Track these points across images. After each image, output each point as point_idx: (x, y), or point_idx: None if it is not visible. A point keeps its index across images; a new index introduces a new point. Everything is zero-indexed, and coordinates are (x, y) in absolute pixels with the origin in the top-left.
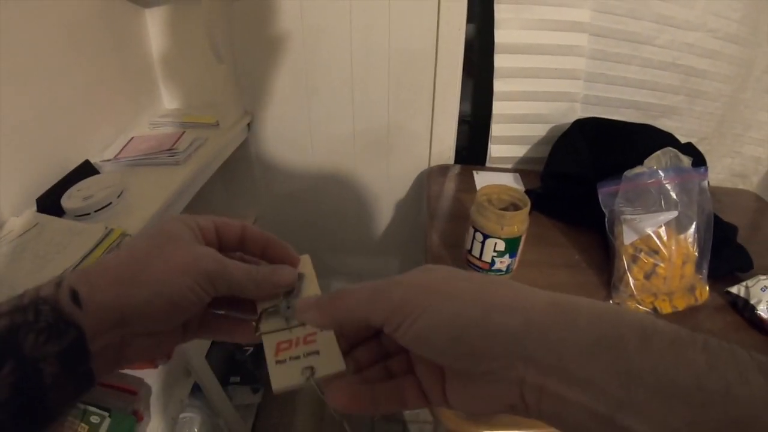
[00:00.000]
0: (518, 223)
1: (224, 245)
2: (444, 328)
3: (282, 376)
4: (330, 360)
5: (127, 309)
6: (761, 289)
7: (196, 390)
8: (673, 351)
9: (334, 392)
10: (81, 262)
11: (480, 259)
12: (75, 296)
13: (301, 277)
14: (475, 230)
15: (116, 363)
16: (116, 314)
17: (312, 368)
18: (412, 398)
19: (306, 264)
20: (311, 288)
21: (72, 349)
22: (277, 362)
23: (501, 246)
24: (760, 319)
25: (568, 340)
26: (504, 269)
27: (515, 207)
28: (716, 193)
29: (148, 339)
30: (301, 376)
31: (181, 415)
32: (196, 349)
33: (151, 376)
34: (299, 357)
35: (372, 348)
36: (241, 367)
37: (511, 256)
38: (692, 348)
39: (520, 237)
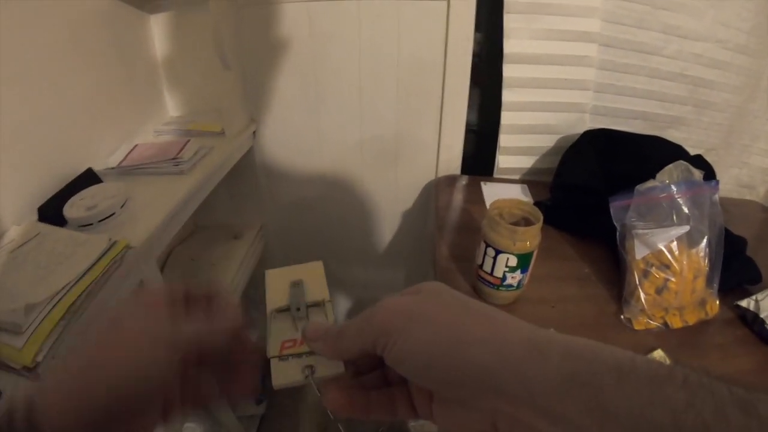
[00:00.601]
0: (531, 239)
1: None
2: (417, 354)
3: (283, 373)
4: (330, 361)
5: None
6: None
7: None
8: (649, 388)
9: (332, 394)
10: (85, 274)
11: (491, 274)
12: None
13: (301, 283)
14: (487, 245)
15: None
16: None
17: (312, 367)
18: (402, 409)
19: (318, 269)
20: (321, 293)
21: None
22: (280, 358)
23: (513, 261)
24: None
25: (540, 375)
26: (515, 285)
27: (527, 221)
28: (724, 204)
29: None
30: (300, 375)
31: (184, 425)
32: None
33: None
34: (301, 356)
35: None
36: None
37: (522, 272)
38: (670, 385)
39: (533, 252)
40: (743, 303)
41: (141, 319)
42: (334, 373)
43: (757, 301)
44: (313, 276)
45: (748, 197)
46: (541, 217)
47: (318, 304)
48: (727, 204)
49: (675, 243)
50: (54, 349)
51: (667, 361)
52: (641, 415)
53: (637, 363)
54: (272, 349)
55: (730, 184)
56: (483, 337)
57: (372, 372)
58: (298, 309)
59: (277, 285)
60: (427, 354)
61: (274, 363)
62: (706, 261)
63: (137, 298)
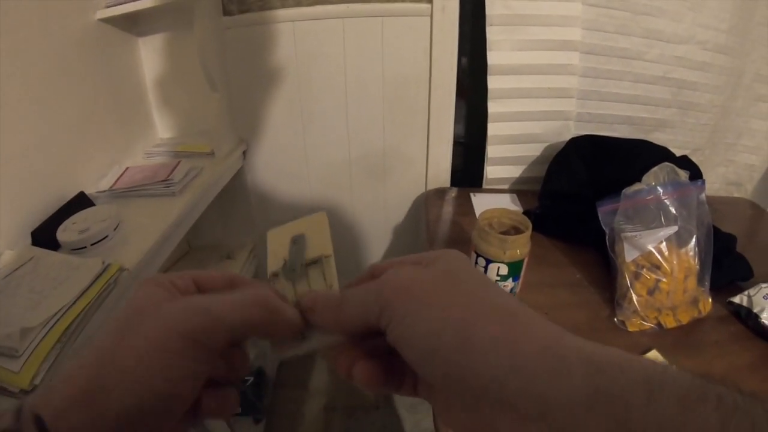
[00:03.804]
0: (520, 247)
1: None
2: (420, 341)
3: (283, 344)
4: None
5: (107, 425)
6: (764, 297)
7: None
8: (681, 408)
9: (363, 367)
10: (79, 297)
11: None
12: (41, 425)
13: (302, 238)
14: (478, 255)
15: None
16: None
17: (310, 335)
18: (407, 383)
19: (321, 221)
20: (321, 247)
21: None
22: None
23: (504, 270)
24: (764, 327)
25: (559, 389)
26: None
27: (516, 230)
28: (712, 202)
29: None
30: (298, 345)
31: None
32: None
33: None
34: None
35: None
36: (243, 398)
37: (514, 280)
38: (704, 405)
39: (523, 260)
40: (736, 299)
41: (157, 314)
42: (334, 341)
43: (749, 297)
44: (315, 229)
45: (736, 194)
46: (530, 225)
47: (317, 261)
48: (715, 202)
49: (664, 244)
50: (51, 372)
51: (664, 361)
52: None
53: (668, 378)
54: None
55: (717, 182)
56: (495, 337)
57: (379, 336)
58: (294, 269)
59: (278, 245)
60: (432, 344)
61: None
62: (696, 260)
63: (165, 284)
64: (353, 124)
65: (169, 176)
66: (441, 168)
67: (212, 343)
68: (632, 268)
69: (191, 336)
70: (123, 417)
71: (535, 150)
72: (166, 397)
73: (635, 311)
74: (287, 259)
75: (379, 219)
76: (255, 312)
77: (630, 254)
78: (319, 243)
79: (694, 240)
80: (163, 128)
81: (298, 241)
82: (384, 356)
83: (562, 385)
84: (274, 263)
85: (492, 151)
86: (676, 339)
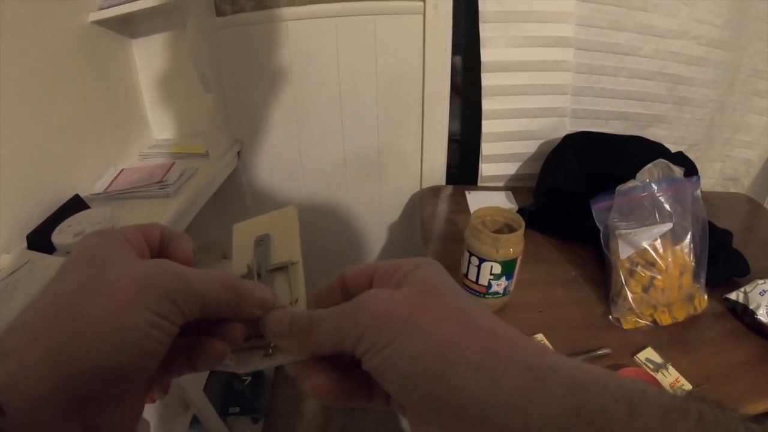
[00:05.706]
0: (513, 245)
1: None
2: (399, 370)
3: (241, 358)
4: None
5: (73, 387)
6: (760, 293)
7: (195, 422)
8: (662, 426)
9: (316, 380)
10: None
11: (476, 282)
12: None
13: (267, 239)
14: (471, 254)
15: None
16: (60, 400)
17: (274, 350)
18: (378, 398)
19: (290, 218)
20: (288, 251)
21: None
22: (245, 339)
23: (497, 269)
24: (760, 323)
25: (541, 408)
26: (501, 292)
27: (509, 228)
28: (708, 197)
29: (119, 403)
30: (261, 360)
31: None
32: (193, 382)
33: (148, 411)
34: (262, 336)
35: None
36: (240, 397)
37: (507, 278)
38: (684, 421)
39: (516, 258)
40: (732, 296)
41: (130, 268)
42: (299, 358)
43: (746, 293)
44: (283, 228)
45: (732, 190)
46: (523, 224)
47: (283, 267)
48: (712, 198)
49: (659, 241)
50: None
51: (659, 359)
52: None
53: (647, 396)
54: None
55: (714, 178)
56: (476, 360)
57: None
58: (259, 275)
59: (243, 245)
60: (410, 373)
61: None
62: (692, 256)
63: (120, 238)
64: (347, 123)
65: (163, 177)
66: (436, 166)
67: (187, 311)
68: (627, 265)
69: (173, 297)
70: (95, 377)
71: (530, 147)
72: (138, 354)
73: (630, 308)
74: (250, 263)
75: (374, 217)
76: (222, 292)
77: (624, 251)
78: (287, 246)
79: (689, 236)
80: (157, 130)
81: (263, 243)
82: (352, 369)
83: (544, 401)
84: (238, 266)
85: (487, 148)
86: (672, 336)
